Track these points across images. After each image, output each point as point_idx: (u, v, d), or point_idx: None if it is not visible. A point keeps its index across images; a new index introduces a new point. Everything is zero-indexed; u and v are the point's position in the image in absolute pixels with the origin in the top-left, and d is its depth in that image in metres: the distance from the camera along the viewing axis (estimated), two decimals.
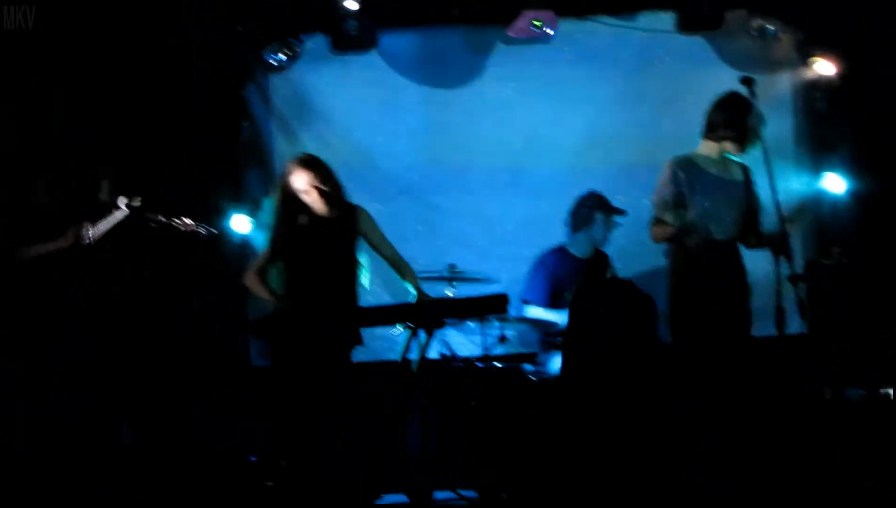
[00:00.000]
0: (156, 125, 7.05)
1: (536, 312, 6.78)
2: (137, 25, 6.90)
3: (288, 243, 5.64)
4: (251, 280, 5.70)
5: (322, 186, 5.63)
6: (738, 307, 5.80)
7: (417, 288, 5.71)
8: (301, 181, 5.62)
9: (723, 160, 5.89)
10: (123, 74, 6.92)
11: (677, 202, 5.72)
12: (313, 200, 5.63)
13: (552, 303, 6.77)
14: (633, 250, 7.17)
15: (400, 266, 5.79)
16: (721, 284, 5.74)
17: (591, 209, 6.86)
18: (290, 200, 5.65)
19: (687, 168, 5.81)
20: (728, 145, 5.86)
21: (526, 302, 6.88)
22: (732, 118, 5.81)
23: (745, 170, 5.95)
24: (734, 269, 5.86)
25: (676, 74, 7.81)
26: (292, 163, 5.71)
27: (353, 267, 5.75)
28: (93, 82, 6.78)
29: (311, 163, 5.71)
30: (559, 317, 6.55)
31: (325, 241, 5.66)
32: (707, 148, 5.90)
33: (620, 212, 6.87)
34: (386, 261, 5.81)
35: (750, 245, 5.94)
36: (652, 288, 5.74)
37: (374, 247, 5.79)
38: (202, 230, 6.15)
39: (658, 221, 5.84)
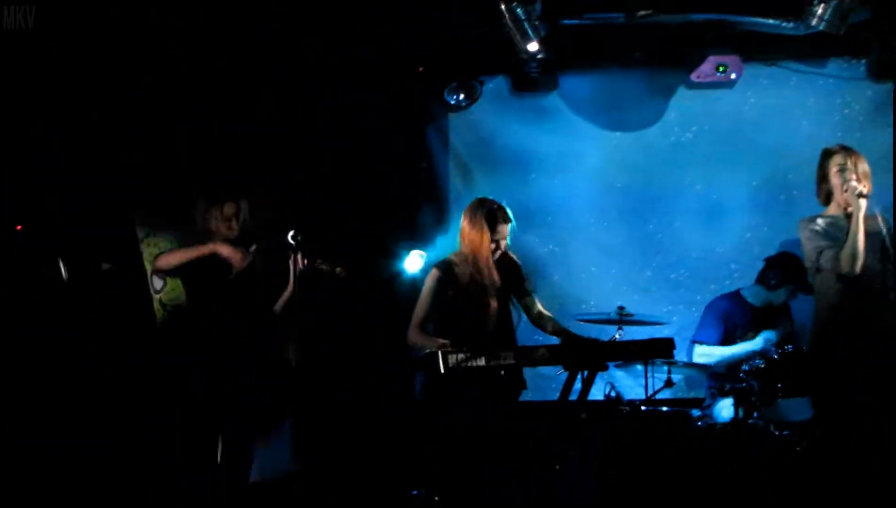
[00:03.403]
0: (337, 166, 7.25)
1: (706, 350, 6.64)
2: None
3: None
4: (416, 336, 5.83)
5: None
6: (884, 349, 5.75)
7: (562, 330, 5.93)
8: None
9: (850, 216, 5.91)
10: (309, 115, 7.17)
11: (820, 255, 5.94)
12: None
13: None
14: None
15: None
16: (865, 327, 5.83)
17: (782, 282, 6.63)
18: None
19: (813, 225, 6.03)
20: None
21: (697, 343, 6.76)
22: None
23: (880, 221, 5.86)
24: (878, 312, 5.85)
25: (865, 121, 7.56)
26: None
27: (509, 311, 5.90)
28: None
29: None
30: (730, 350, 6.56)
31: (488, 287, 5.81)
32: (834, 207, 6.07)
33: (809, 292, 6.46)
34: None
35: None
36: None
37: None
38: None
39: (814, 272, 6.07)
